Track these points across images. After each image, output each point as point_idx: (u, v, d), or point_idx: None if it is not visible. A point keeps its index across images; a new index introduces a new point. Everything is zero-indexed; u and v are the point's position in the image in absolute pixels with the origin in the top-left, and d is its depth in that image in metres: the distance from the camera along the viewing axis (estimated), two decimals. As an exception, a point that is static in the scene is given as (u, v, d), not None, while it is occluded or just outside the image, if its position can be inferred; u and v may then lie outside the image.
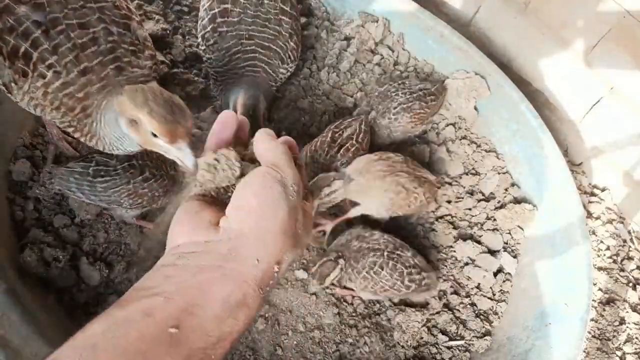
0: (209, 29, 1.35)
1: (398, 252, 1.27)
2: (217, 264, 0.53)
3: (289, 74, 1.46)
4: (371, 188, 1.27)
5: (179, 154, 0.92)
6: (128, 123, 0.96)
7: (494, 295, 1.43)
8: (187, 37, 1.61)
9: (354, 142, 1.38)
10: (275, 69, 1.39)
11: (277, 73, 1.41)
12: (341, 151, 1.36)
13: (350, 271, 1.26)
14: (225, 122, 0.65)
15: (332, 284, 1.30)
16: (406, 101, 1.47)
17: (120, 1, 1.06)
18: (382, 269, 1.24)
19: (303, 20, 1.66)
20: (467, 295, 1.42)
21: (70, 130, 1.05)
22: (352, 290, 1.33)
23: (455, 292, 1.43)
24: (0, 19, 0.94)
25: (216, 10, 1.34)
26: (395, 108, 1.46)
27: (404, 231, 1.48)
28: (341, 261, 1.26)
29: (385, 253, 1.25)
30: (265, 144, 0.62)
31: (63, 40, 0.96)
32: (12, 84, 0.98)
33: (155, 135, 0.92)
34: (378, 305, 1.37)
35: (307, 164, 1.34)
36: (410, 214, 1.45)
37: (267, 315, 1.28)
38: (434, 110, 1.56)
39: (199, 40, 1.40)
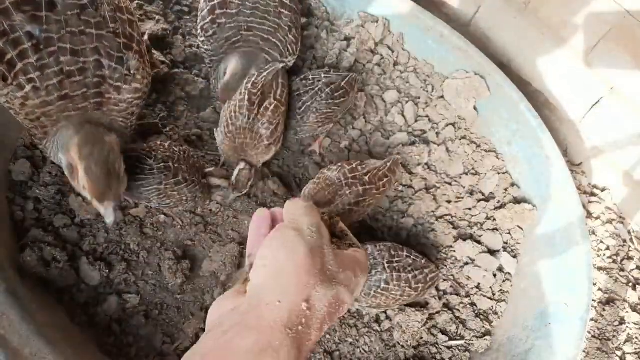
0: (208, 20, 1.35)
1: (395, 259, 1.25)
2: (238, 320, 0.53)
3: (288, 68, 1.45)
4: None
5: (102, 211, 1.00)
6: (67, 167, 1.00)
7: (494, 295, 1.43)
8: (187, 37, 1.61)
9: (272, 99, 1.30)
10: (275, 61, 1.39)
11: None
12: (261, 111, 1.30)
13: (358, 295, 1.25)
14: (259, 225, 0.67)
15: None
16: (310, 100, 1.39)
17: (123, 29, 1.04)
18: (389, 284, 1.22)
19: (303, 20, 1.66)
20: (467, 295, 1.42)
21: (31, 132, 1.07)
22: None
23: (455, 292, 1.43)
24: None
25: (215, 1, 1.34)
26: (300, 108, 1.40)
27: (404, 231, 1.48)
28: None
29: (385, 265, 1.23)
30: (287, 205, 0.65)
31: (52, 62, 0.95)
32: None
33: (85, 190, 0.98)
34: (378, 305, 1.37)
35: (229, 131, 1.31)
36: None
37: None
38: (345, 107, 1.47)
39: (198, 31, 1.39)
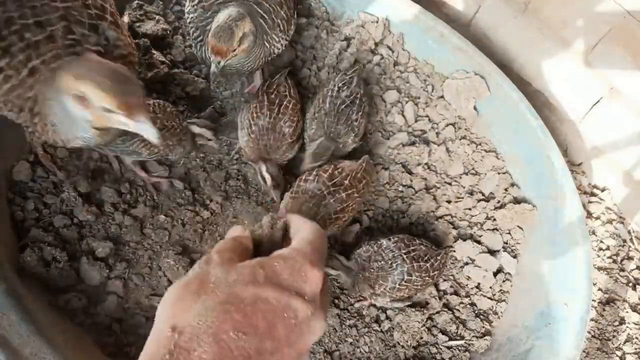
0: None
1: (411, 248, 1.28)
2: None
3: (276, 49, 1.37)
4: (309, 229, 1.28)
5: (140, 127, 0.87)
6: (75, 100, 0.87)
7: (493, 295, 1.43)
8: (187, 37, 1.60)
9: (289, 97, 1.40)
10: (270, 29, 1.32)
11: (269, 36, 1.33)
12: (281, 109, 1.38)
13: (381, 290, 1.26)
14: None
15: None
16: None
17: (94, 2, 0.98)
18: (412, 275, 1.26)
19: (303, 20, 1.66)
20: (467, 295, 1.42)
21: (29, 131, 0.99)
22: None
23: (455, 292, 1.43)
24: None
25: None
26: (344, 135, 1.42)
27: (404, 231, 1.48)
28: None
29: (404, 256, 1.26)
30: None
31: (14, 39, 0.90)
32: None
33: (108, 111, 0.85)
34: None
35: (252, 131, 1.36)
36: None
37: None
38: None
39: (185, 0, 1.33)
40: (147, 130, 0.87)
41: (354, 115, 1.41)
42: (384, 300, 1.29)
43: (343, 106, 1.40)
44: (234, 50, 1.20)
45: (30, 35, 0.91)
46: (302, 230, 0.63)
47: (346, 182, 1.29)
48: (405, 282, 1.25)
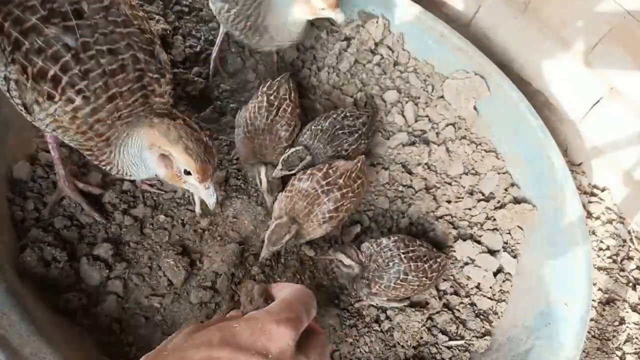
0: None
1: (410, 248, 1.28)
2: None
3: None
4: (303, 228, 1.27)
5: (205, 192, 1.01)
6: (158, 158, 0.99)
7: (493, 295, 1.43)
8: (187, 37, 1.61)
9: (289, 101, 1.40)
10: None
11: None
12: (280, 112, 1.38)
13: (375, 289, 1.27)
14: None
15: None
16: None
17: (144, 24, 1.04)
18: (408, 275, 1.25)
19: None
20: (467, 295, 1.42)
21: (86, 153, 1.05)
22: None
23: (455, 292, 1.42)
24: (27, 38, 0.92)
25: None
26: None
27: (403, 231, 1.48)
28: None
29: (402, 256, 1.26)
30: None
31: (94, 65, 0.95)
32: (34, 106, 0.97)
33: (187, 173, 0.98)
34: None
35: (248, 131, 1.36)
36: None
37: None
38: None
39: None
40: (212, 197, 1.04)
41: (346, 145, 1.40)
42: (380, 299, 1.29)
43: (340, 132, 1.39)
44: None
45: (105, 62, 0.96)
46: (283, 291, 0.61)
47: (340, 181, 1.27)
48: (401, 281, 1.25)
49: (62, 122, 0.98)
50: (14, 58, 0.94)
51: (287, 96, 1.40)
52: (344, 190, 1.27)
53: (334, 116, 1.41)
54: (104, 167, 1.07)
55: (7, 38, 0.94)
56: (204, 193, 1.03)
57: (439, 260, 1.31)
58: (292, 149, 1.36)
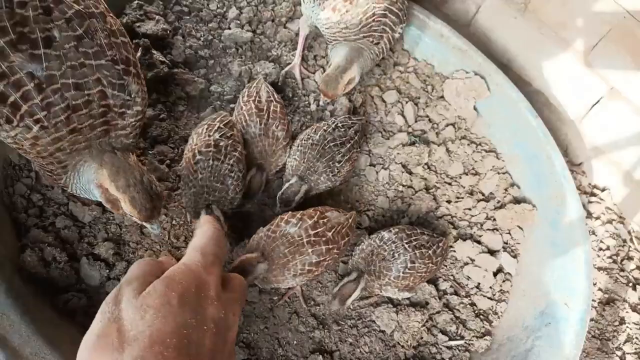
0: None
1: (413, 237, 1.28)
2: None
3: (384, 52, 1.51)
4: (272, 274, 1.17)
5: (149, 227, 1.09)
6: (105, 197, 1.03)
7: (493, 295, 1.43)
8: (187, 37, 1.60)
9: (275, 102, 1.39)
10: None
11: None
12: (271, 114, 1.36)
13: (385, 281, 1.26)
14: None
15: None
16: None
17: (120, 54, 1.01)
18: (415, 263, 1.25)
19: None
20: (467, 295, 1.42)
21: (45, 173, 1.08)
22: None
23: (455, 292, 1.43)
24: None
25: None
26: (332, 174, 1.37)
27: (404, 231, 1.48)
28: (362, 280, 1.25)
29: (405, 245, 1.26)
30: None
31: (57, 99, 0.93)
32: None
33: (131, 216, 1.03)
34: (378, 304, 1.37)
35: (245, 140, 1.35)
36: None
37: (267, 315, 1.28)
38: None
39: None
40: (155, 230, 1.10)
41: (339, 156, 1.35)
42: (392, 290, 1.29)
43: (332, 144, 1.35)
44: (343, 94, 1.42)
45: (70, 96, 0.94)
46: (197, 235, 0.72)
47: (329, 234, 1.18)
48: (409, 269, 1.25)
49: (23, 146, 0.97)
50: None
51: (271, 98, 1.40)
52: (330, 246, 1.18)
53: (325, 128, 1.38)
54: (60, 186, 1.11)
55: None
56: (147, 227, 1.09)
57: (440, 244, 1.32)
58: (287, 184, 1.33)
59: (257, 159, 1.37)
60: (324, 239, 1.17)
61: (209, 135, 1.27)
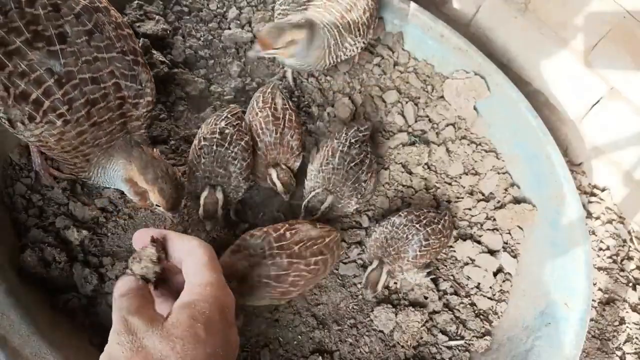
0: None
1: (421, 217, 1.31)
2: None
3: (349, 51, 1.47)
4: (243, 295, 1.11)
5: (170, 215, 1.14)
6: (134, 190, 1.08)
7: (493, 295, 1.43)
8: (187, 37, 1.61)
9: (290, 110, 1.38)
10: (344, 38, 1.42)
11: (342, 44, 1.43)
12: (286, 123, 1.35)
13: (403, 264, 1.29)
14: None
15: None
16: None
17: (128, 45, 1.04)
18: (429, 239, 1.29)
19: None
20: (467, 295, 1.42)
21: (68, 167, 1.10)
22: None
23: (455, 292, 1.43)
24: (10, 60, 0.92)
25: None
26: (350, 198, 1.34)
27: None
28: (385, 266, 1.27)
29: (416, 225, 1.29)
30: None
31: (77, 95, 0.96)
32: (19, 124, 0.97)
33: (159, 205, 1.08)
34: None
35: (259, 148, 1.35)
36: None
37: (268, 315, 1.28)
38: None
39: None
40: (176, 219, 1.20)
41: (363, 175, 1.34)
42: (412, 271, 1.31)
43: (352, 164, 1.33)
44: (277, 49, 1.31)
45: (88, 90, 0.97)
46: (192, 254, 0.70)
47: (295, 248, 1.11)
48: (425, 247, 1.28)
49: (48, 143, 0.99)
50: None
51: (287, 106, 1.38)
52: (295, 260, 1.11)
53: (340, 148, 1.34)
54: (82, 177, 1.13)
55: None
56: (167, 216, 1.16)
57: (446, 217, 1.36)
58: (312, 193, 1.31)
59: (271, 164, 1.35)
60: (287, 251, 1.11)
61: (216, 124, 1.29)
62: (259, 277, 1.10)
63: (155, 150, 1.10)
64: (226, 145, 1.26)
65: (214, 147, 1.26)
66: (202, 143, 1.27)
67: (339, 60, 1.46)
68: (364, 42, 1.49)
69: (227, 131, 1.27)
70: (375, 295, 1.32)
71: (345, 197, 1.33)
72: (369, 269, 1.29)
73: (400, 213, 1.33)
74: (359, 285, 1.37)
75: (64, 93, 0.94)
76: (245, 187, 1.31)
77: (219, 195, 1.25)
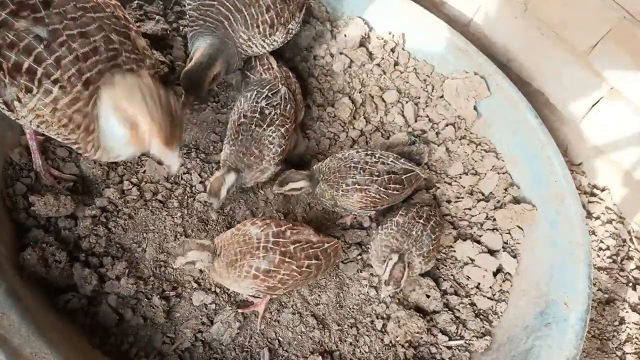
0: None
1: (421, 212, 1.35)
2: None
3: (255, 48, 1.41)
4: (222, 274, 1.13)
5: (169, 158, 0.99)
6: (123, 122, 0.96)
7: (493, 295, 1.43)
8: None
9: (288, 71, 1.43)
10: (236, 32, 1.36)
11: (237, 37, 1.37)
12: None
13: (422, 260, 1.30)
14: None
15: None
16: (363, 180, 1.31)
17: (118, 11, 1.04)
18: (435, 233, 1.33)
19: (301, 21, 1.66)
20: (467, 295, 1.42)
21: (74, 147, 1.05)
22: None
23: (455, 292, 1.42)
24: None
25: None
26: (348, 184, 1.31)
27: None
28: (405, 257, 1.27)
29: (421, 221, 1.32)
30: None
31: (65, 52, 0.94)
32: (15, 102, 0.96)
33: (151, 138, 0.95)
34: (378, 305, 1.37)
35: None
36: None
37: (268, 315, 1.28)
38: (395, 199, 1.39)
39: None
40: (174, 163, 1.00)
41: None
42: (423, 265, 1.32)
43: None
44: (209, 91, 1.32)
45: (77, 46, 0.95)
46: None
47: (290, 247, 1.12)
48: (435, 240, 1.32)
49: (44, 116, 0.98)
50: None
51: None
52: (287, 259, 1.11)
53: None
54: (94, 157, 1.07)
55: None
56: (166, 158, 1.00)
57: (436, 212, 1.40)
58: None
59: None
60: (282, 249, 1.11)
61: (257, 102, 1.32)
62: (249, 268, 1.10)
63: (147, 76, 1.01)
64: (264, 126, 1.30)
65: (253, 126, 1.29)
66: (242, 120, 1.30)
67: (246, 55, 1.44)
68: (265, 41, 1.42)
69: (266, 111, 1.31)
70: (397, 290, 1.26)
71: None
72: (390, 263, 1.23)
73: (400, 212, 1.34)
74: (358, 286, 1.37)
75: (53, 54, 0.93)
76: (274, 170, 1.34)
77: (229, 179, 1.25)
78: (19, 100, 0.95)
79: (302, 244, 1.14)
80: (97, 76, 0.97)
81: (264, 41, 1.40)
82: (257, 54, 1.45)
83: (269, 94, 1.33)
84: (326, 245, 1.18)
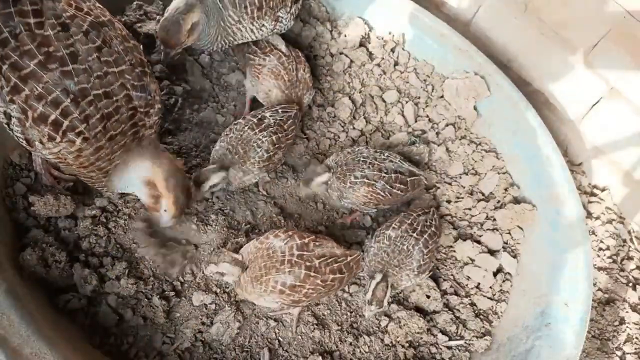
0: None
1: (415, 224, 1.31)
2: None
3: (244, 32, 1.40)
4: (241, 285, 1.15)
5: (164, 220, 1.15)
6: (150, 193, 1.10)
7: (493, 295, 1.43)
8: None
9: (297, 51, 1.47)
10: (226, 9, 1.33)
11: (227, 16, 1.34)
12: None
13: (410, 275, 1.28)
14: None
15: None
16: (372, 175, 1.33)
17: (135, 57, 1.05)
18: (427, 247, 1.29)
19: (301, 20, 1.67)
20: (467, 295, 1.42)
21: (84, 180, 1.13)
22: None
23: (455, 292, 1.42)
24: (26, 84, 0.92)
25: None
26: (356, 177, 1.33)
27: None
28: (389, 278, 1.25)
29: (414, 235, 1.29)
30: None
31: (92, 111, 0.97)
32: (38, 143, 0.98)
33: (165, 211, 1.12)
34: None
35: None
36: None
37: (269, 316, 1.28)
38: (397, 201, 1.41)
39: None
40: (168, 223, 1.18)
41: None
42: (413, 277, 1.30)
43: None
44: (183, 42, 1.27)
45: (102, 105, 0.99)
46: None
47: (315, 261, 1.14)
48: (427, 255, 1.29)
49: (66, 160, 1.01)
50: (13, 99, 0.94)
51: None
52: (312, 274, 1.12)
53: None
54: (97, 189, 1.17)
55: (5, 80, 0.94)
56: (164, 221, 1.17)
57: (435, 217, 1.36)
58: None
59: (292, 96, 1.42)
60: (307, 263, 1.12)
61: (262, 111, 1.37)
62: (275, 283, 1.11)
63: (178, 159, 1.16)
64: (256, 130, 1.31)
65: (245, 128, 1.32)
66: (239, 120, 1.34)
67: (235, 40, 1.41)
68: (259, 27, 1.41)
69: (266, 120, 1.33)
70: (381, 311, 1.28)
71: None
72: (373, 283, 1.23)
73: (392, 225, 1.30)
74: (358, 286, 1.37)
75: (80, 111, 0.95)
76: (258, 175, 1.35)
77: (215, 178, 1.26)
78: (42, 144, 0.98)
79: (326, 258, 1.15)
80: (121, 137, 1.04)
81: (252, 24, 1.39)
82: (247, 40, 1.44)
83: (279, 109, 1.37)
84: (349, 258, 1.20)
